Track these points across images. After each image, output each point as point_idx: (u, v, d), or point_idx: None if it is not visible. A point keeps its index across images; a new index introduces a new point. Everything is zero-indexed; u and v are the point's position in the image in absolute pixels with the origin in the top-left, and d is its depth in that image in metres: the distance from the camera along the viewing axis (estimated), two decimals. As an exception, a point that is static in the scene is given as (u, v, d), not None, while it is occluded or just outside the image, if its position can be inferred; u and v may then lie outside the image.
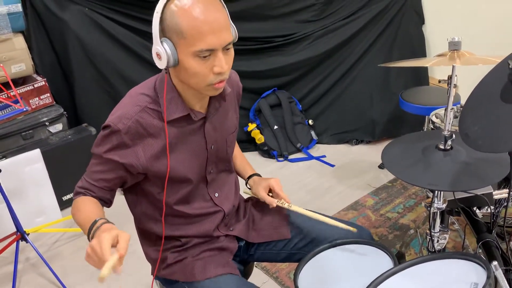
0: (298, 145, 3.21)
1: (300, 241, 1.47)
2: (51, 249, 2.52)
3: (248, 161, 1.62)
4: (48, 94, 2.82)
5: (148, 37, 2.98)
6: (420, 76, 3.23)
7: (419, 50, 3.23)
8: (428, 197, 2.24)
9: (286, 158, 3.17)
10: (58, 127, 2.86)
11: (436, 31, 3.21)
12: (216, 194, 1.40)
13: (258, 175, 1.56)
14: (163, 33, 1.09)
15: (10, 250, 2.34)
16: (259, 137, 3.19)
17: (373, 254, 1.34)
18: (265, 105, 3.23)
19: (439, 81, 1.60)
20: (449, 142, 1.24)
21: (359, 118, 3.27)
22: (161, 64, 1.11)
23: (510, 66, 0.92)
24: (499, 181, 1.65)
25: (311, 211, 1.42)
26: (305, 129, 3.29)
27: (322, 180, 2.87)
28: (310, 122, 3.31)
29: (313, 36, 3.24)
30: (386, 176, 2.89)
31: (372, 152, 3.17)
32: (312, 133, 3.31)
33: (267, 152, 3.19)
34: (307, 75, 3.32)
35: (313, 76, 3.32)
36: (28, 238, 2.29)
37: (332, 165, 3.04)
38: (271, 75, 3.21)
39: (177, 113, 1.21)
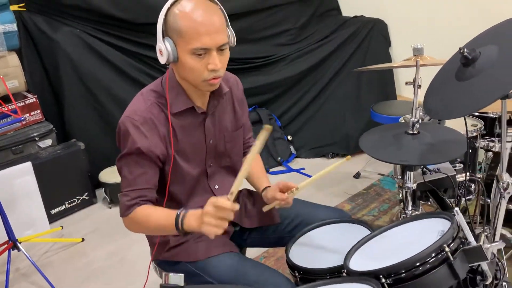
0: (279, 159, 3.40)
1: (289, 224, 1.61)
2: (41, 259, 2.56)
3: None
4: (39, 111, 2.92)
5: (136, 57, 3.16)
6: (388, 93, 3.50)
7: (387, 71, 3.52)
8: (401, 199, 2.44)
9: (267, 171, 3.34)
10: (47, 142, 2.95)
11: (402, 52, 3.52)
12: (216, 187, 1.52)
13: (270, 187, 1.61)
14: (165, 33, 1.27)
15: (1, 259, 2.38)
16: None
17: (354, 229, 1.50)
18: (246, 122, 3.41)
19: (406, 83, 1.84)
20: (417, 126, 1.44)
21: (334, 133, 3.49)
22: (162, 59, 1.28)
23: (461, 51, 1.14)
24: (462, 167, 1.87)
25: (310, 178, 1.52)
26: (285, 144, 3.48)
27: (303, 190, 3.03)
28: (289, 137, 3.52)
29: (290, 57, 3.50)
30: (361, 184, 3.09)
31: (347, 164, 3.29)
32: (291, 148, 3.50)
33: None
34: (285, 93, 3.55)
35: (291, 94, 3.56)
36: (21, 246, 2.33)
37: (311, 176, 3.22)
38: (252, 94, 3.42)
39: (182, 106, 1.36)
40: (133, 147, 1.31)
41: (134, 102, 1.37)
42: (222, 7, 1.29)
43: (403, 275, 1.05)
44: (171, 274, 0.80)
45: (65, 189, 2.92)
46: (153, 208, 1.32)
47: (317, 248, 1.46)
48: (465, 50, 1.13)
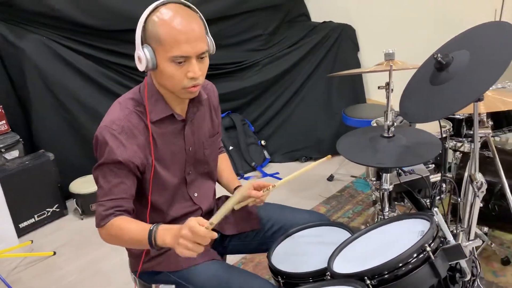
0: (253, 164, 3.40)
1: (269, 230, 1.62)
2: (10, 275, 2.47)
3: None
4: (4, 121, 2.83)
5: (106, 65, 3.11)
6: (358, 97, 3.58)
7: (357, 75, 3.59)
8: (374, 200, 2.49)
9: (242, 177, 3.34)
10: (14, 153, 2.85)
11: (370, 57, 3.61)
12: (196, 194, 1.52)
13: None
14: (144, 40, 1.26)
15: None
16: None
17: (334, 232, 1.53)
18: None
19: (378, 87, 1.88)
20: (392, 129, 1.48)
21: (307, 137, 3.53)
22: (141, 66, 1.27)
23: (435, 57, 1.18)
24: (434, 168, 1.93)
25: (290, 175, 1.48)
26: (258, 149, 3.50)
27: (278, 194, 3.05)
28: (263, 142, 3.53)
29: (262, 63, 3.53)
30: (335, 187, 3.13)
31: (320, 167, 3.36)
32: (265, 152, 3.52)
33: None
34: (257, 99, 3.58)
35: (264, 100, 3.58)
36: (-11, 262, 2.25)
37: (286, 180, 3.25)
38: (225, 99, 3.42)
39: (161, 114, 1.35)
40: (110, 157, 1.29)
41: (112, 111, 1.35)
42: (201, 15, 1.29)
43: (387, 276, 1.07)
44: (161, 286, 0.79)
45: (34, 202, 2.83)
46: (128, 221, 1.29)
47: (299, 252, 1.47)
48: (439, 55, 1.17)
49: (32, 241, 2.70)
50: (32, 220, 2.82)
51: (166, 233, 1.20)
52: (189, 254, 1.14)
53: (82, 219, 2.95)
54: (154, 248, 1.22)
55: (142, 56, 1.25)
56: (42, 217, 2.86)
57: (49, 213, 2.90)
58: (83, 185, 2.92)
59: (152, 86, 1.35)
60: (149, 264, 1.46)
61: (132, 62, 3.09)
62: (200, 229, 1.12)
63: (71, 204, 3.01)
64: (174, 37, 1.21)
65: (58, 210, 2.94)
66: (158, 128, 1.36)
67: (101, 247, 2.63)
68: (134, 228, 1.27)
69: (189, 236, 1.13)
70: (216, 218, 1.17)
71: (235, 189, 1.58)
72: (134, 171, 1.32)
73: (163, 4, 1.25)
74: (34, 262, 2.56)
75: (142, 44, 1.26)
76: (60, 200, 2.94)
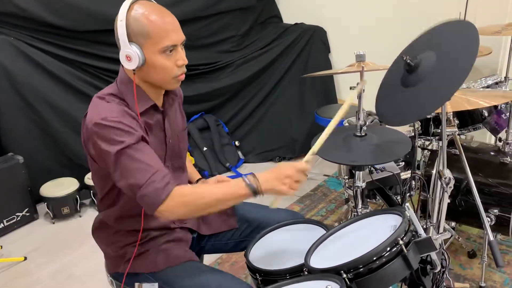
0: (227, 164, 3.42)
1: (246, 229, 1.65)
2: (-21, 282, 2.40)
3: None
4: (-30, 124, 2.74)
5: (76, 65, 3.06)
6: (330, 97, 3.65)
7: (328, 76, 3.66)
8: (347, 198, 2.55)
9: (216, 177, 3.34)
10: (-19, 157, 2.77)
11: (340, 58, 3.68)
12: None
13: (204, 178, 1.72)
14: (129, 38, 1.26)
15: None
16: (189, 159, 3.34)
17: (310, 229, 1.56)
18: (193, 129, 3.41)
19: (350, 88, 1.93)
20: (364, 128, 1.53)
21: (280, 137, 3.58)
22: (131, 65, 1.27)
23: (404, 59, 1.23)
24: (404, 165, 2.00)
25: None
26: (233, 149, 3.51)
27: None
28: (237, 143, 3.55)
29: (235, 64, 3.55)
30: (308, 186, 3.18)
31: None
32: (239, 153, 3.54)
33: (198, 172, 3.34)
34: (231, 100, 3.59)
35: (237, 100, 3.60)
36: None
37: (260, 181, 3.28)
38: (198, 100, 3.42)
39: (146, 105, 1.35)
40: (126, 139, 1.22)
41: (101, 106, 1.30)
42: None
43: (362, 269, 1.11)
44: (144, 284, 0.80)
45: (2, 206, 2.75)
46: (195, 186, 1.33)
47: (276, 250, 1.50)
48: (408, 57, 1.22)
49: (1, 246, 2.63)
50: (1, 225, 2.75)
51: (268, 178, 1.25)
52: (293, 192, 1.25)
53: (53, 223, 2.89)
54: (259, 194, 1.25)
55: (133, 54, 1.25)
56: (11, 221, 2.79)
57: (19, 218, 2.82)
58: (54, 188, 2.87)
59: (129, 82, 1.34)
60: (126, 266, 1.44)
61: (102, 63, 3.11)
62: (303, 165, 1.26)
63: (42, 208, 2.95)
64: (162, 28, 1.26)
65: (28, 214, 2.87)
66: (144, 119, 1.36)
67: (74, 251, 2.59)
68: (217, 187, 1.32)
69: (293, 174, 1.24)
70: (317, 146, 1.32)
71: (197, 181, 1.68)
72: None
73: (134, 1, 1.28)
74: (4, 268, 2.49)
75: (128, 42, 1.26)
76: (30, 204, 2.87)
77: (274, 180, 1.25)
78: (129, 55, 1.26)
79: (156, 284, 0.80)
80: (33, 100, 2.90)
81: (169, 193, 1.21)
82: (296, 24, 3.79)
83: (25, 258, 2.54)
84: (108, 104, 1.30)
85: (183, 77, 1.35)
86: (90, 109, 1.31)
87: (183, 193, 1.23)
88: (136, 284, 0.80)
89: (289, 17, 3.93)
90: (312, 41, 3.61)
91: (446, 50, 1.24)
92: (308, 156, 1.29)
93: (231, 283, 1.36)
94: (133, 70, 1.29)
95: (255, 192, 1.24)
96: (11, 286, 2.36)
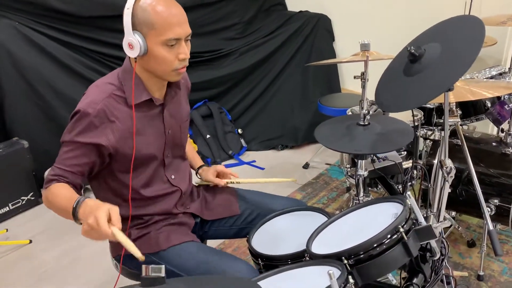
0: (230, 152, 3.44)
1: (249, 216, 1.67)
2: (-15, 264, 2.44)
3: None
4: (-24, 109, 2.76)
5: (80, 51, 3.06)
6: (333, 86, 3.65)
7: (332, 65, 3.65)
8: (348, 187, 2.57)
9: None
10: (-14, 141, 2.80)
11: (344, 47, 3.68)
12: (173, 176, 1.55)
13: (206, 165, 1.75)
14: (134, 27, 1.27)
15: None
16: (192, 146, 3.36)
17: (311, 216, 1.59)
18: (197, 116, 3.42)
19: (354, 77, 1.94)
20: (368, 118, 1.54)
21: (283, 125, 3.59)
22: (133, 53, 1.29)
23: (408, 49, 1.24)
24: (406, 155, 2.01)
25: (256, 178, 1.70)
26: (235, 137, 3.53)
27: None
28: (240, 131, 3.57)
29: (239, 51, 3.55)
30: (310, 174, 3.21)
31: (296, 155, 3.49)
32: (242, 141, 3.56)
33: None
34: (235, 87, 3.60)
35: (240, 88, 3.61)
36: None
37: (262, 168, 3.31)
38: (202, 88, 3.43)
39: (141, 98, 1.38)
40: (79, 138, 1.32)
41: (89, 94, 1.36)
42: None
43: (363, 255, 1.13)
44: (152, 266, 0.82)
45: (8, 190, 2.79)
46: (66, 188, 1.29)
47: (278, 236, 1.52)
48: (412, 48, 1.23)
49: (7, 229, 2.67)
50: (6, 209, 2.78)
51: (85, 208, 1.17)
52: (90, 237, 1.13)
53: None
54: (77, 220, 1.20)
55: (135, 43, 1.27)
56: (16, 205, 2.83)
57: (24, 201, 2.86)
58: (59, 173, 2.89)
59: (131, 71, 1.36)
60: (129, 247, 1.49)
61: (107, 49, 3.12)
62: (103, 224, 1.09)
63: (46, 192, 2.98)
64: (167, 20, 1.26)
65: (33, 198, 2.90)
66: (137, 112, 1.38)
67: (79, 235, 2.57)
68: (64, 194, 1.27)
69: (93, 226, 1.11)
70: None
71: (199, 168, 1.72)
72: (99, 153, 1.34)
73: None
74: (10, 250, 2.53)
75: (132, 30, 1.27)
76: (35, 188, 2.90)
77: (82, 214, 1.17)
78: (131, 43, 1.27)
79: (163, 266, 0.82)
80: (37, 85, 2.91)
81: (47, 187, 1.32)
82: (300, 11, 3.77)
83: (31, 241, 2.58)
84: (96, 95, 1.33)
85: (183, 70, 1.36)
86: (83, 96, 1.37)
87: (52, 192, 1.29)
88: (144, 266, 0.82)
89: (293, 4, 3.91)
90: (317, 29, 3.60)
91: (451, 42, 1.25)
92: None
93: (232, 263, 1.39)
94: (135, 58, 1.31)
95: (74, 213, 1.20)
96: (17, 268, 2.40)
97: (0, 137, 2.90)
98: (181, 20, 1.29)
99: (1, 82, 2.83)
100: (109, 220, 1.12)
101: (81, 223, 1.19)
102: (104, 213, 1.11)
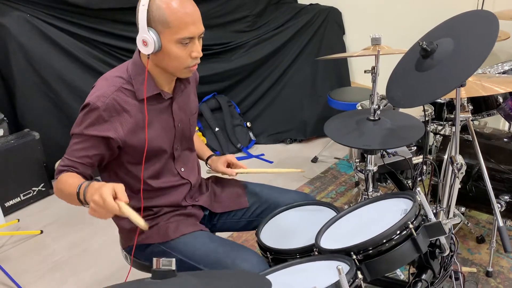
0: (239, 145, 3.45)
1: (258, 209, 1.68)
2: (-3, 253, 2.48)
3: None
4: (-12, 100, 2.79)
5: (91, 43, 3.07)
6: (343, 80, 3.63)
7: (342, 59, 3.63)
8: (357, 181, 2.57)
9: (227, 158, 3.37)
10: (-1, 132, 2.83)
11: (355, 40, 3.65)
12: (182, 169, 1.57)
13: (215, 155, 1.76)
14: (149, 24, 1.28)
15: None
16: (201, 139, 3.37)
17: (320, 210, 1.59)
18: (206, 109, 3.43)
19: (365, 71, 1.93)
20: (378, 112, 1.53)
21: (292, 119, 3.58)
22: (147, 50, 1.30)
23: (420, 44, 1.23)
24: (416, 150, 2.00)
25: (264, 168, 1.66)
26: (244, 130, 3.54)
27: (264, 175, 3.11)
28: (248, 124, 3.57)
29: (248, 44, 3.54)
30: (319, 168, 3.21)
31: (305, 149, 3.49)
32: (251, 134, 3.56)
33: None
34: (244, 80, 3.60)
35: (250, 81, 3.60)
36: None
37: (271, 162, 3.31)
38: (211, 81, 3.44)
39: (150, 92, 1.39)
40: (88, 131, 1.34)
41: (99, 87, 1.37)
42: None
43: (371, 251, 1.13)
44: (162, 259, 0.83)
45: (19, 181, 2.82)
46: (74, 177, 1.32)
47: (287, 230, 1.53)
48: (424, 43, 1.22)
49: (18, 219, 2.71)
50: (18, 199, 2.82)
51: (91, 189, 1.19)
52: (97, 215, 1.16)
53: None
54: (84, 203, 1.22)
55: (150, 40, 1.28)
56: (28, 196, 2.86)
57: (35, 192, 2.89)
58: (69, 164, 2.92)
59: (141, 65, 1.38)
60: (139, 238, 1.50)
61: (117, 41, 3.13)
62: (109, 200, 1.12)
63: (57, 183, 3.01)
64: (182, 19, 1.27)
65: (44, 189, 2.94)
66: (150, 104, 1.39)
67: (89, 226, 2.65)
68: (73, 181, 1.29)
69: (99, 203, 1.13)
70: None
71: (208, 158, 1.73)
72: (108, 146, 1.36)
73: None
74: (21, 240, 2.57)
75: (147, 27, 1.28)
76: (46, 179, 2.94)
77: (89, 194, 1.19)
78: (146, 40, 1.28)
79: (174, 260, 0.83)
80: (49, 77, 2.93)
81: (57, 178, 1.36)
82: (311, 4, 3.75)
83: (42, 232, 2.62)
84: (106, 89, 1.34)
85: (195, 67, 1.38)
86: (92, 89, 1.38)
87: (62, 180, 1.33)
88: (154, 259, 0.83)
89: (304, -3, 3.90)
90: (327, 23, 3.58)
91: (464, 37, 1.24)
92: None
93: (244, 253, 1.40)
94: (148, 55, 1.32)
95: (78, 195, 1.23)
96: (28, 257, 2.44)
97: (12, 129, 2.93)
98: (196, 19, 1.30)
99: (13, 74, 2.86)
100: (115, 198, 1.14)
101: (86, 204, 1.22)
102: (108, 190, 1.14)
